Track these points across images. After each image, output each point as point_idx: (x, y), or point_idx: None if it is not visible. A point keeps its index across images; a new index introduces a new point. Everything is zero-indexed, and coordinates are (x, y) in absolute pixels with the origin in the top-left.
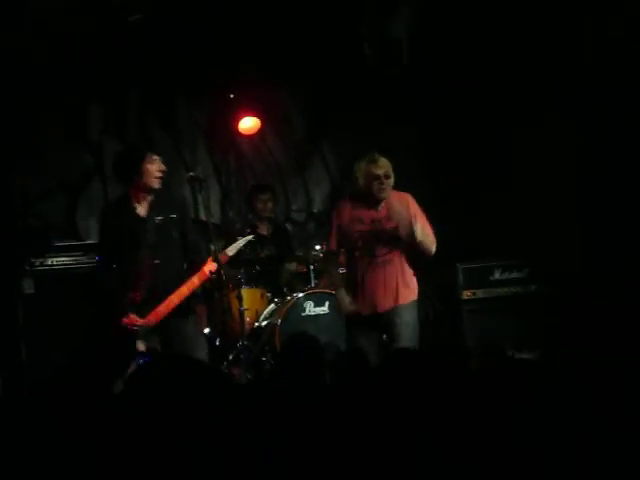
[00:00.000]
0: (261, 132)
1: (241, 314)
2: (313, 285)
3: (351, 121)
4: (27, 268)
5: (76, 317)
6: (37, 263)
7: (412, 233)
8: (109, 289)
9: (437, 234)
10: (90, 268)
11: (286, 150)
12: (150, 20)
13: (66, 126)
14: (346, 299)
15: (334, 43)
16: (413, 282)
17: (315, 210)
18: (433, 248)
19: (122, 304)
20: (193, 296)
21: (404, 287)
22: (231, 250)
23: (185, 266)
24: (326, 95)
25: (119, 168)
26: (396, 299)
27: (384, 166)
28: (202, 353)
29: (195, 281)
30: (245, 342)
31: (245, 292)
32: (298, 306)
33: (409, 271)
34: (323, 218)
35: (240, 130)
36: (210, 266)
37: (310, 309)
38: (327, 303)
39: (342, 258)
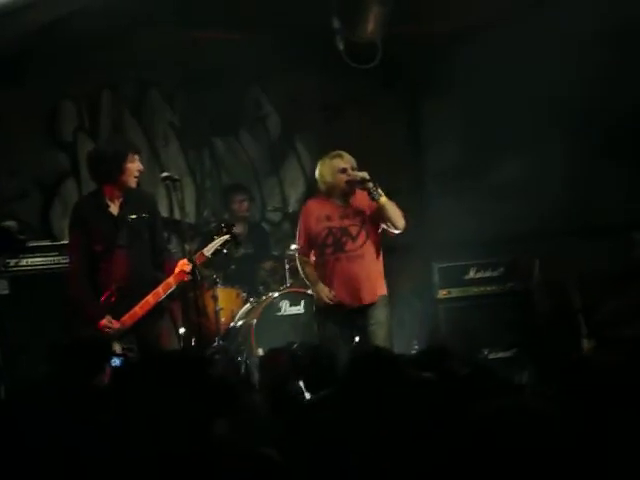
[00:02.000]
0: (236, 131)
1: (216, 314)
2: (289, 285)
3: (325, 120)
4: (1, 269)
5: (51, 318)
6: (12, 264)
7: (375, 199)
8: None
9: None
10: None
11: (261, 150)
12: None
13: (40, 125)
14: (325, 289)
15: (309, 39)
16: (383, 278)
17: (290, 210)
18: (401, 220)
19: (94, 307)
20: (167, 296)
21: (376, 282)
22: (208, 250)
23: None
24: (301, 94)
25: (99, 166)
26: (368, 294)
27: (349, 160)
28: None
29: (170, 281)
30: (221, 342)
31: (221, 292)
32: (274, 306)
33: (380, 267)
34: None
35: None
36: (185, 266)
37: (286, 309)
38: (303, 302)
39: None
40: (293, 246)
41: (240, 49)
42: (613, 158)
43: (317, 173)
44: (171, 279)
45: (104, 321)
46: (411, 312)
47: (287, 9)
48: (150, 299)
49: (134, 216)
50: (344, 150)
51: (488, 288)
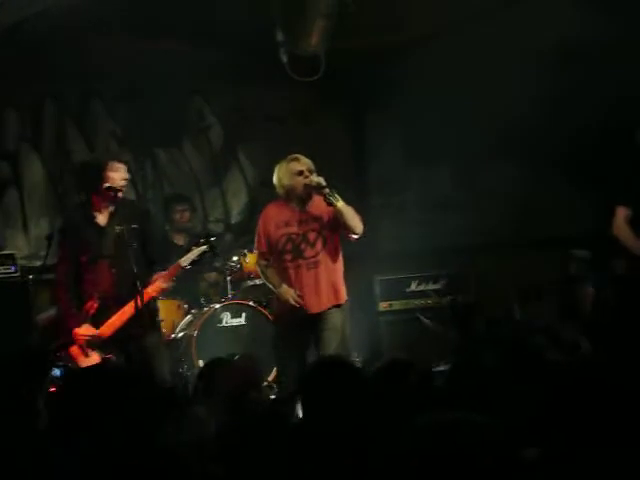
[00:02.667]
0: (179, 142)
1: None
2: (230, 296)
3: (268, 131)
4: None
5: None
6: None
7: (332, 204)
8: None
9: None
10: (7, 277)
11: (204, 160)
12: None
13: None
14: (291, 291)
15: (254, 51)
16: (343, 285)
17: (233, 221)
18: (359, 225)
19: (73, 316)
20: (155, 309)
21: (334, 289)
22: (184, 261)
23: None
24: (245, 106)
25: (83, 175)
26: (326, 301)
27: (306, 162)
28: (165, 365)
29: (150, 292)
30: None
31: (161, 303)
32: (215, 317)
33: (340, 273)
34: (241, 229)
35: None
36: (164, 277)
37: (227, 320)
38: (244, 314)
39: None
40: (235, 257)
41: (184, 59)
42: (557, 175)
43: (275, 177)
44: (150, 289)
45: (81, 329)
46: (353, 324)
47: (232, 21)
48: (128, 309)
49: (121, 227)
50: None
51: (429, 301)
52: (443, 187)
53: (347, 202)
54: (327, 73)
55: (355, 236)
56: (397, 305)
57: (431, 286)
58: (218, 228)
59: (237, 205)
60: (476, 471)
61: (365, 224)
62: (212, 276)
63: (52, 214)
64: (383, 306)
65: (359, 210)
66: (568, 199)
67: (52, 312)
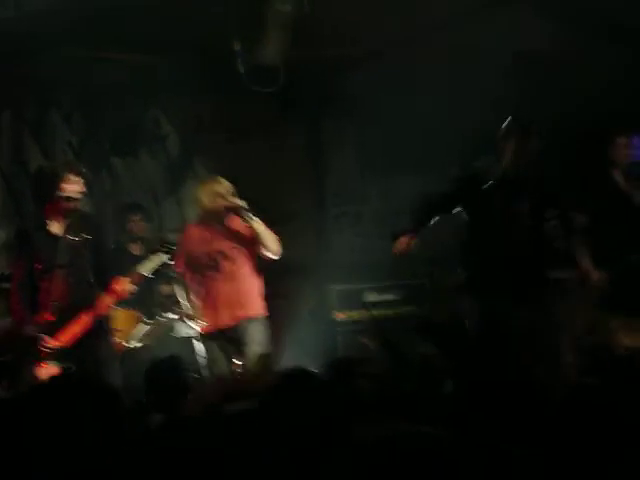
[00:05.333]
0: (135, 151)
1: None
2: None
3: (225, 141)
4: None
5: None
6: None
7: (248, 222)
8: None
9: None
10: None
11: (160, 170)
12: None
13: None
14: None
15: (211, 61)
16: (261, 299)
17: None
18: (275, 246)
19: (27, 327)
20: (106, 318)
21: (252, 302)
22: (144, 269)
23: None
24: (202, 115)
25: (38, 186)
26: (245, 314)
27: (224, 184)
28: (114, 376)
29: (108, 300)
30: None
31: (116, 313)
32: (169, 328)
33: (257, 287)
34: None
35: None
36: (125, 285)
37: (182, 331)
38: (193, 323)
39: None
40: None
41: (141, 69)
42: None
43: (196, 197)
44: (108, 298)
45: (42, 340)
46: (308, 334)
47: (189, 31)
48: (85, 318)
49: (75, 237)
50: (245, 172)
51: (385, 312)
52: (401, 197)
53: (303, 213)
54: (285, 84)
55: (272, 256)
56: (353, 315)
57: (388, 297)
58: (174, 238)
59: (193, 215)
60: None
61: (322, 234)
62: (166, 287)
63: (9, 224)
64: (339, 316)
65: (315, 220)
66: None
67: (6, 322)
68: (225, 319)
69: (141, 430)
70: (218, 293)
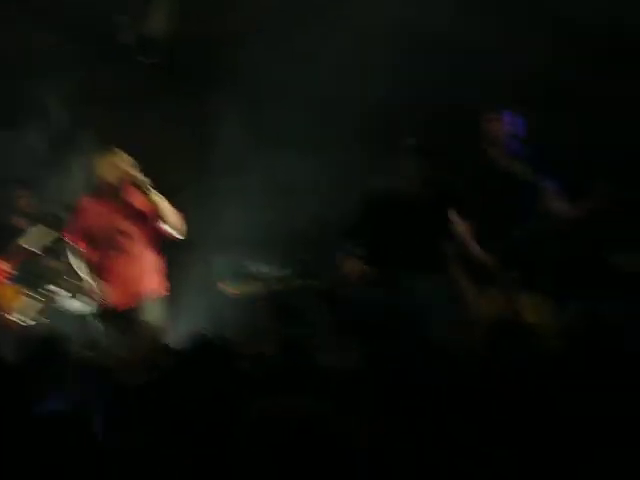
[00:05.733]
0: (18, 124)
1: None
2: (74, 282)
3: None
4: None
5: None
6: None
7: (151, 201)
8: None
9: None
10: None
11: (44, 143)
12: None
13: None
14: (95, 287)
15: (96, 33)
16: (159, 276)
17: (71, 203)
18: (178, 222)
19: None
20: None
21: (151, 280)
22: (30, 243)
23: None
24: (86, 88)
25: None
26: (144, 292)
27: (126, 158)
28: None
29: None
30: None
31: (2, 289)
32: (57, 302)
33: (157, 264)
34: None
35: None
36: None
37: (69, 306)
38: (86, 299)
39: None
40: None
41: (24, 40)
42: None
43: (95, 169)
44: None
45: None
46: (192, 307)
47: (76, 2)
48: None
49: None
50: (130, 144)
51: (270, 285)
52: (287, 171)
53: (188, 187)
54: (171, 56)
55: (174, 233)
56: (238, 288)
57: (272, 270)
58: (60, 211)
59: (78, 188)
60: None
61: (206, 207)
62: (54, 262)
63: None
64: (225, 289)
65: (200, 193)
66: None
67: None
68: (125, 298)
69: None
70: (118, 272)
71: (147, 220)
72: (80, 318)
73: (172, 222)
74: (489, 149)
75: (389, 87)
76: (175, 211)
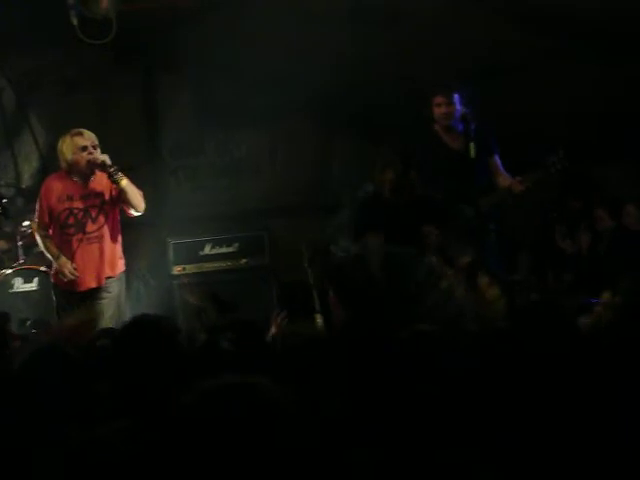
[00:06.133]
0: None
1: None
2: (22, 261)
3: (61, 95)
4: None
5: None
6: None
7: (116, 182)
8: None
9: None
10: None
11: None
12: None
13: None
14: (68, 263)
15: (44, 13)
16: (122, 258)
17: (24, 185)
18: (141, 204)
19: None
20: None
21: (113, 262)
22: None
23: None
24: (37, 69)
25: None
26: (105, 274)
27: (90, 137)
28: None
29: None
30: None
31: None
32: (6, 283)
33: (119, 247)
34: (32, 194)
35: None
36: None
37: (19, 286)
38: (36, 280)
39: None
40: (26, 222)
41: None
42: (351, 138)
43: (58, 150)
44: None
45: None
46: (147, 288)
47: None
48: None
49: None
50: (80, 125)
51: (223, 264)
52: (238, 150)
53: (140, 167)
54: (119, 36)
55: (136, 213)
56: (190, 268)
57: (225, 249)
58: (9, 192)
59: (28, 169)
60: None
61: (158, 188)
62: (2, 241)
63: None
64: (177, 270)
65: (151, 174)
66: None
67: None
68: (87, 280)
69: None
70: (82, 254)
71: (110, 201)
72: (25, 296)
73: (135, 203)
74: (438, 130)
75: (335, 65)
76: (138, 191)
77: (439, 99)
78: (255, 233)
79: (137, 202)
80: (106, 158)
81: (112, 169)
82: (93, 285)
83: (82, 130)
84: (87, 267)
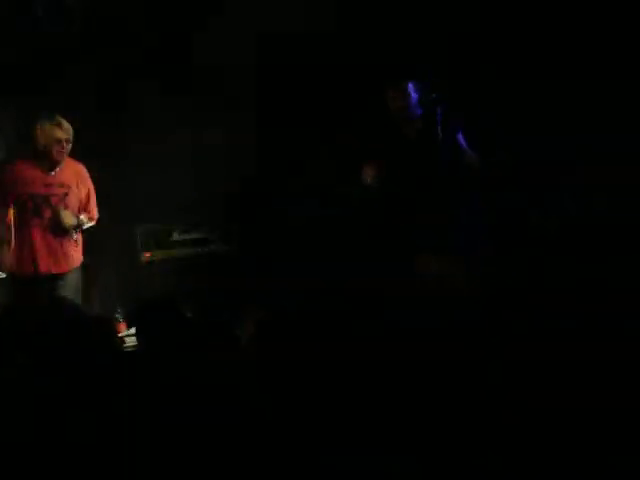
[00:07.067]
0: None
1: None
2: None
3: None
4: None
5: None
6: None
7: (80, 203)
8: None
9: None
10: None
11: None
12: None
13: None
14: (7, 255)
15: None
16: (80, 246)
17: None
18: (95, 213)
19: None
20: None
21: (71, 251)
22: None
23: None
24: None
25: None
26: (64, 263)
27: (67, 131)
28: None
29: None
30: None
31: None
32: None
33: (79, 236)
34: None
35: None
36: None
37: None
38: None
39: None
40: None
41: None
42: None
43: (32, 132)
44: None
45: None
46: (116, 276)
47: None
48: None
49: None
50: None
51: (190, 250)
52: (205, 136)
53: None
54: (84, 25)
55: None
56: (159, 255)
57: (194, 235)
58: None
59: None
60: None
61: (125, 175)
62: None
63: None
64: (145, 256)
65: (118, 160)
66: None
67: None
68: (42, 266)
69: None
70: (40, 241)
71: (74, 195)
72: None
73: (94, 214)
74: (398, 119)
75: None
76: (94, 202)
77: (394, 93)
78: (226, 218)
79: (94, 212)
80: (72, 223)
81: (75, 230)
82: (48, 271)
83: (62, 121)
84: (45, 254)
